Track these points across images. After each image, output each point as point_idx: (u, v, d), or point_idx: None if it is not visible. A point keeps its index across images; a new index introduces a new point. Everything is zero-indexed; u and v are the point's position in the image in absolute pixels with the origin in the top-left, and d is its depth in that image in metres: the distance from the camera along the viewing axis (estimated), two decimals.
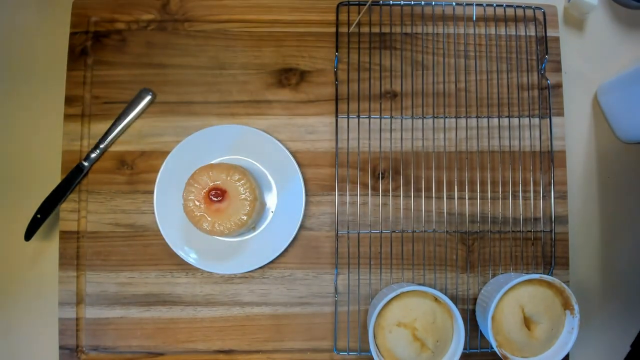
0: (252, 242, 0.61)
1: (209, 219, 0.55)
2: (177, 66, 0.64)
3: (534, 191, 0.63)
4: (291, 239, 0.60)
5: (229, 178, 0.56)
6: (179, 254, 0.60)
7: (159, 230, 0.60)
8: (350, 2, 0.63)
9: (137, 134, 0.63)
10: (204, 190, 0.56)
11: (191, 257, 0.60)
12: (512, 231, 0.62)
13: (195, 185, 0.56)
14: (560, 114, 0.64)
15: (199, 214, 0.56)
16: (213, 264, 0.60)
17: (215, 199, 0.55)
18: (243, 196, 0.56)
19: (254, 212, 0.56)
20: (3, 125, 0.65)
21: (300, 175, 0.60)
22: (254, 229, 0.61)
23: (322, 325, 0.61)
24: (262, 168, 0.62)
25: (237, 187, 0.56)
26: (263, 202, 0.60)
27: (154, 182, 0.60)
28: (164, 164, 0.60)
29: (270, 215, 0.61)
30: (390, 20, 0.64)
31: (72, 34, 0.63)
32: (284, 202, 0.61)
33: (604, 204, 0.66)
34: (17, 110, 0.65)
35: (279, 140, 0.61)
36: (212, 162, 0.61)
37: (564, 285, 0.55)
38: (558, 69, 0.65)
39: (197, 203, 0.56)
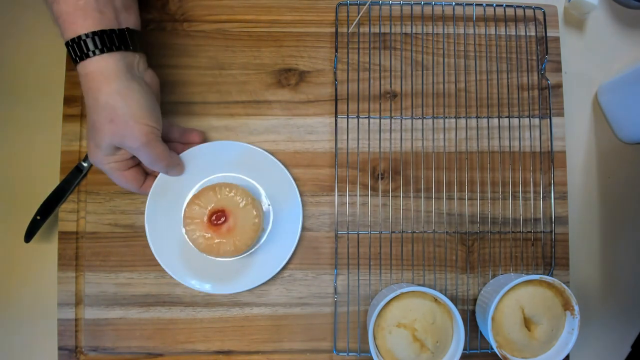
0: (253, 258, 0.60)
1: (216, 241, 0.56)
2: (176, 66, 0.64)
3: (534, 192, 0.63)
4: (293, 249, 0.60)
5: (219, 196, 0.56)
6: (188, 285, 0.59)
7: None
8: (350, 2, 0.63)
9: None
10: (205, 217, 0.56)
11: (196, 285, 0.59)
12: (512, 232, 0.62)
13: (195, 220, 0.56)
14: (561, 114, 0.64)
15: (205, 242, 0.56)
16: (217, 285, 0.59)
17: (219, 222, 0.56)
18: (243, 205, 0.56)
19: (262, 222, 0.56)
20: (2, 126, 0.65)
21: (292, 180, 0.60)
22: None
23: (322, 325, 0.61)
24: (253, 181, 0.61)
25: (235, 201, 0.56)
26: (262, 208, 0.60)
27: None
28: (155, 184, 0.59)
29: (269, 227, 0.61)
30: (390, 20, 0.64)
31: None
32: (279, 208, 0.60)
33: (604, 204, 0.66)
34: (16, 111, 0.65)
35: (269, 152, 0.60)
36: (198, 186, 0.60)
37: (564, 285, 0.55)
38: (558, 69, 0.65)
39: (201, 232, 0.56)
